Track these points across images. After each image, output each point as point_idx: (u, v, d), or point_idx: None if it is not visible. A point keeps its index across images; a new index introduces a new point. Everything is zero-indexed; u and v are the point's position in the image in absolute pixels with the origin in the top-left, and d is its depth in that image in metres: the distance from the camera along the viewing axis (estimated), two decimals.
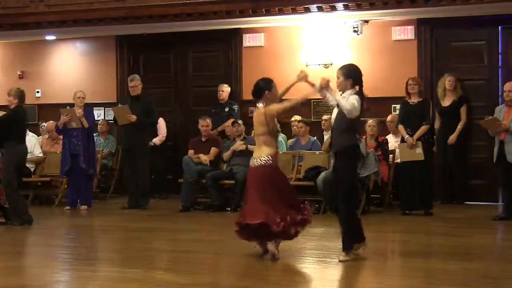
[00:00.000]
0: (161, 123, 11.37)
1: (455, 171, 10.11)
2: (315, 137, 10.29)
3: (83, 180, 10.06)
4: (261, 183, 6.04)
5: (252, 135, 10.17)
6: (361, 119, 6.21)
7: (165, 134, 11.48)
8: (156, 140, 11.25)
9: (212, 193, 9.77)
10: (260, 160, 6.10)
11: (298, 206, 6.16)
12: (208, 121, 10.30)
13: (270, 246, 6.05)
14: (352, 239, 5.99)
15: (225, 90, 11.05)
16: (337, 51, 10.96)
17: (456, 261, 6.05)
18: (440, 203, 9.97)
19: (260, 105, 6.19)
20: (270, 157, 6.08)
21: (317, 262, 6.20)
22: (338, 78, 6.07)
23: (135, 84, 10.12)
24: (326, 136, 9.78)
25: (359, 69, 6.16)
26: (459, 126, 9.96)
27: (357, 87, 6.02)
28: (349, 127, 5.93)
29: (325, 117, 10.24)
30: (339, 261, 5.90)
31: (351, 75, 6.03)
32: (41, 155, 10.98)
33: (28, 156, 10.78)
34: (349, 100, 5.86)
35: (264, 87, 6.20)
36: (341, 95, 5.97)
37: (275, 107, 6.18)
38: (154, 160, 10.61)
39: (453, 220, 8.85)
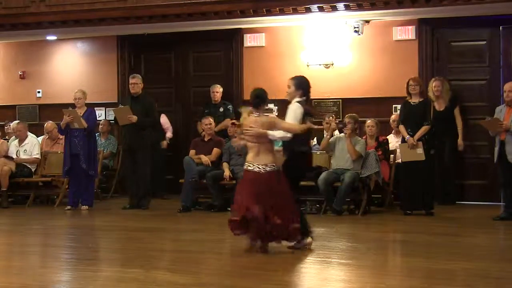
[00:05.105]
0: (165, 119, 11.50)
1: (452, 172, 10.14)
2: (315, 142, 10.29)
3: (84, 180, 10.06)
4: (267, 188, 6.38)
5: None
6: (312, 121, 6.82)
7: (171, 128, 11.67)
8: (169, 135, 11.55)
9: (212, 193, 9.78)
10: (269, 166, 6.43)
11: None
12: (211, 119, 10.30)
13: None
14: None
15: (218, 91, 11.06)
16: (338, 51, 10.97)
17: (456, 261, 6.05)
18: (438, 204, 9.97)
19: (256, 113, 6.57)
20: (276, 164, 6.48)
21: (318, 262, 6.20)
22: (289, 87, 6.66)
23: (136, 81, 10.12)
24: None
25: (309, 81, 6.76)
26: (460, 129, 10.04)
27: (304, 98, 6.63)
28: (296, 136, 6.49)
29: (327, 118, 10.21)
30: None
31: (302, 87, 6.66)
32: (38, 156, 10.96)
33: (25, 157, 10.90)
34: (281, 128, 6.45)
35: (265, 99, 6.67)
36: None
37: (286, 125, 6.51)
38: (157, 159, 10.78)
39: (454, 220, 8.86)
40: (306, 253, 6.42)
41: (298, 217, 6.44)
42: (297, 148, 6.54)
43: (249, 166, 6.49)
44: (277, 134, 6.44)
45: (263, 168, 6.41)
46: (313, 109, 6.80)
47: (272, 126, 6.47)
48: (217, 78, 11.53)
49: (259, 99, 6.59)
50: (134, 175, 10.07)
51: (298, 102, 6.57)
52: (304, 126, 6.47)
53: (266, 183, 6.39)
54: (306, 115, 6.57)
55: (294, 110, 6.52)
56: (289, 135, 6.44)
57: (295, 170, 6.60)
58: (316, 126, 6.73)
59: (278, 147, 7.05)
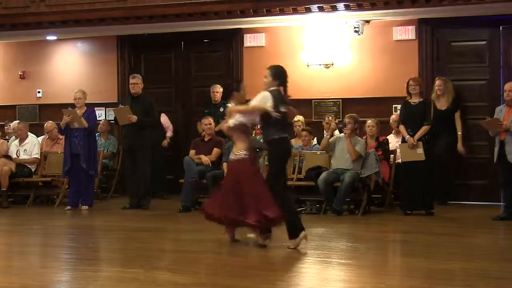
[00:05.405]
0: (165, 119, 11.54)
1: (452, 172, 10.14)
2: (315, 142, 10.28)
3: (84, 180, 10.06)
4: (237, 176, 6.69)
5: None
6: (283, 114, 6.64)
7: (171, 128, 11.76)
8: (169, 134, 11.65)
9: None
10: (236, 154, 6.77)
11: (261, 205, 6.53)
12: (211, 119, 10.30)
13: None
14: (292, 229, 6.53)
15: (219, 91, 11.05)
16: (338, 51, 10.97)
17: (456, 261, 6.06)
18: (438, 204, 9.97)
19: (229, 104, 7.00)
20: (246, 151, 6.75)
21: (318, 262, 6.21)
22: (266, 78, 6.73)
23: (136, 81, 10.14)
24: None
25: (285, 71, 6.81)
26: (459, 133, 10.04)
27: (281, 88, 6.68)
28: (268, 123, 6.58)
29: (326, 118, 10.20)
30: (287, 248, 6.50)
31: (279, 77, 6.72)
32: (37, 156, 10.96)
33: (25, 157, 10.90)
34: (235, 118, 6.72)
35: (232, 89, 7.11)
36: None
37: (238, 108, 6.84)
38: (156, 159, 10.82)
39: (453, 220, 8.86)
40: (306, 253, 6.43)
41: (277, 207, 6.43)
42: (275, 135, 6.58)
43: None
44: (232, 120, 6.71)
45: (234, 155, 6.78)
46: (288, 98, 6.79)
47: (231, 114, 6.77)
48: (217, 78, 11.53)
49: (226, 93, 7.06)
50: (134, 175, 10.07)
51: (270, 91, 6.63)
52: (256, 106, 6.57)
53: (233, 171, 6.75)
54: (281, 103, 6.62)
55: (260, 98, 6.62)
56: (242, 117, 6.66)
57: (276, 156, 6.65)
58: (271, 110, 6.48)
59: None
